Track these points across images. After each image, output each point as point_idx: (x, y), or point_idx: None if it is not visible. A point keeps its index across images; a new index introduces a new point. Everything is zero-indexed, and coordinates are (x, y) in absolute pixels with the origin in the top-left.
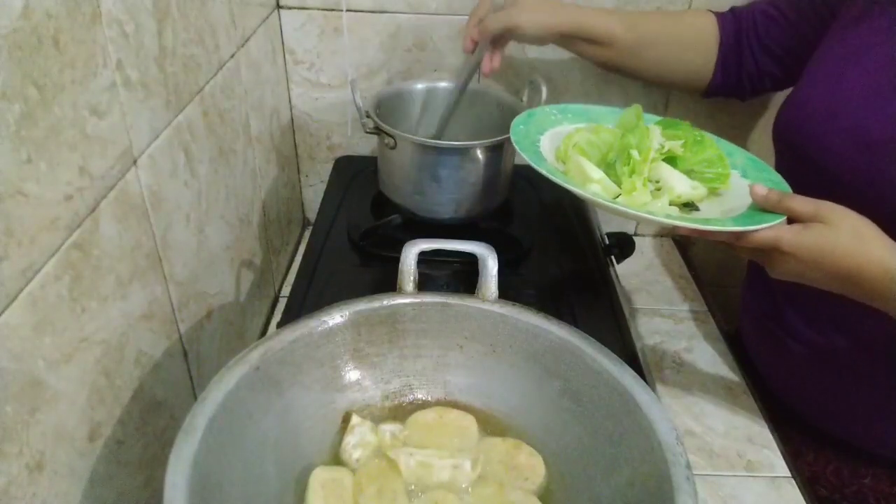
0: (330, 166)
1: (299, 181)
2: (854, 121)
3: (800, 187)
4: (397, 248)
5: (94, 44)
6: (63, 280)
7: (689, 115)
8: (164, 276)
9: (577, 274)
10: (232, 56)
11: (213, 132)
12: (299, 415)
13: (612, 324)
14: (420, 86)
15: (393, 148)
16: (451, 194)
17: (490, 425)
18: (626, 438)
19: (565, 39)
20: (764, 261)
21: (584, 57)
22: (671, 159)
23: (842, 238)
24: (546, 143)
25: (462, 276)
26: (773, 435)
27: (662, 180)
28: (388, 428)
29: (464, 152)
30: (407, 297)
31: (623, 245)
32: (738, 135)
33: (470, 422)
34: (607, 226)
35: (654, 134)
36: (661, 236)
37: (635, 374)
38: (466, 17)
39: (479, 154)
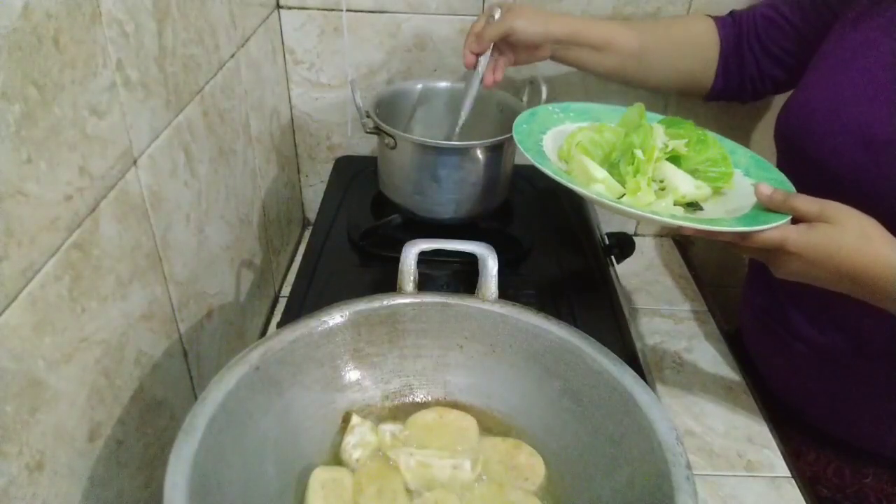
0: (330, 166)
1: (299, 181)
2: (856, 120)
3: (802, 187)
4: (397, 248)
5: (94, 44)
6: (63, 280)
7: (690, 117)
8: (164, 276)
9: (577, 274)
10: (232, 56)
11: (213, 132)
12: (299, 415)
13: (612, 324)
14: (420, 86)
15: (393, 148)
16: (451, 194)
17: (490, 425)
18: (626, 438)
19: (563, 47)
20: (769, 260)
21: (583, 67)
22: (675, 158)
23: (847, 237)
24: (549, 143)
25: (462, 276)
26: (773, 435)
27: (667, 180)
28: (388, 428)
29: (464, 152)
30: (407, 297)
31: (623, 245)
32: (740, 136)
33: (470, 422)
34: (607, 226)
35: (658, 133)
36: (661, 236)
37: (635, 374)
38: (466, 16)
39: (479, 154)
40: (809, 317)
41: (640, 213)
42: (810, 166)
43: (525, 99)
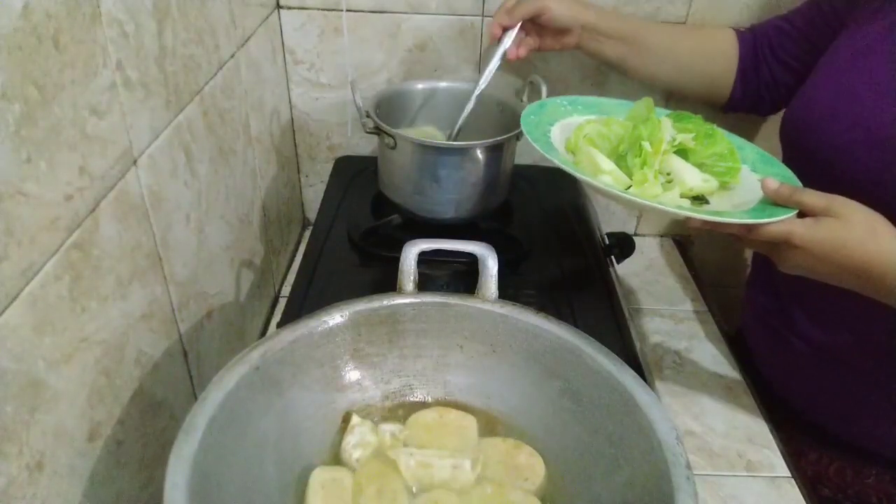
0: (330, 166)
1: (299, 181)
2: (860, 118)
3: (808, 185)
4: (397, 248)
5: (94, 44)
6: (63, 280)
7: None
8: (164, 276)
9: (577, 274)
10: (232, 56)
11: (213, 132)
12: (299, 415)
13: (612, 324)
14: (420, 86)
15: (393, 148)
16: (451, 194)
17: (490, 425)
18: (626, 438)
19: (591, 37)
20: (774, 254)
21: (608, 60)
22: (682, 152)
23: (854, 232)
24: (556, 134)
25: (462, 276)
26: (773, 435)
27: (674, 172)
28: (388, 428)
29: (464, 152)
30: (407, 297)
31: (623, 245)
32: (741, 132)
33: (470, 422)
34: (607, 226)
35: (666, 126)
36: (662, 236)
37: (635, 374)
38: (466, 16)
39: (479, 154)
40: (812, 316)
41: (647, 203)
42: (815, 165)
43: (525, 99)
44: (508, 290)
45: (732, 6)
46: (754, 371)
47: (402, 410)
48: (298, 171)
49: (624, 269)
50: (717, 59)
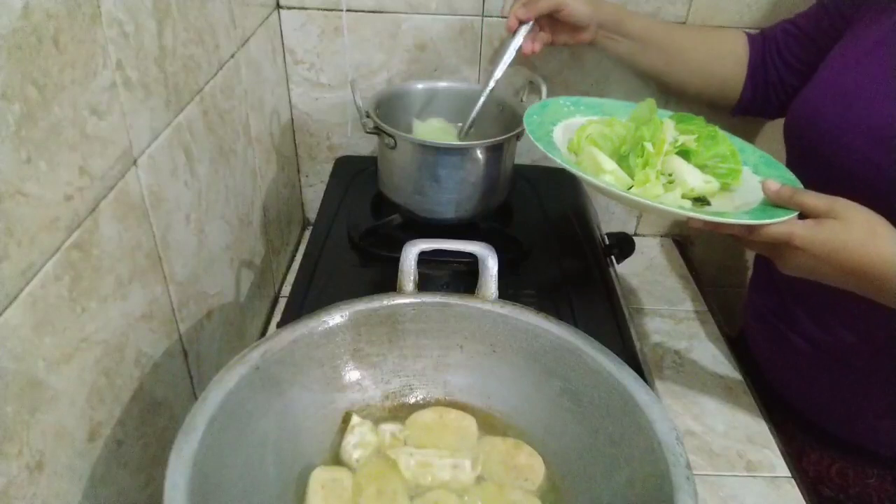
0: (330, 166)
1: (299, 181)
2: (864, 115)
3: (812, 184)
4: (397, 248)
5: (94, 44)
6: (63, 280)
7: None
8: (164, 276)
9: (577, 274)
10: (232, 56)
11: (213, 132)
12: (299, 415)
13: (612, 324)
14: (420, 86)
15: (393, 148)
16: (451, 194)
17: (490, 425)
18: (626, 438)
19: (605, 34)
20: (775, 255)
21: (621, 58)
22: (684, 153)
23: (854, 234)
24: (559, 135)
25: (462, 276)
26: (773, 435)
27: (675, 173)
28: (388, 428)
29: (464, 152)
30: (407, 297)
31: (623, 245)
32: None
33: (470, 422)
34: (607, 226)
35: (668, 127)
36: (662, 236)
37: (635, 374)
38: (466, 16)
39: (479, 154)
40: (814, 316)
41: (648, 203)
42: (819, 163)
43: (524, 99)
44: (508, 290)
45: (732, 6)
46: (756, 371)
47: (402, 410)
48: (298, 171)
49: (624, 269)
50: (727, 62)
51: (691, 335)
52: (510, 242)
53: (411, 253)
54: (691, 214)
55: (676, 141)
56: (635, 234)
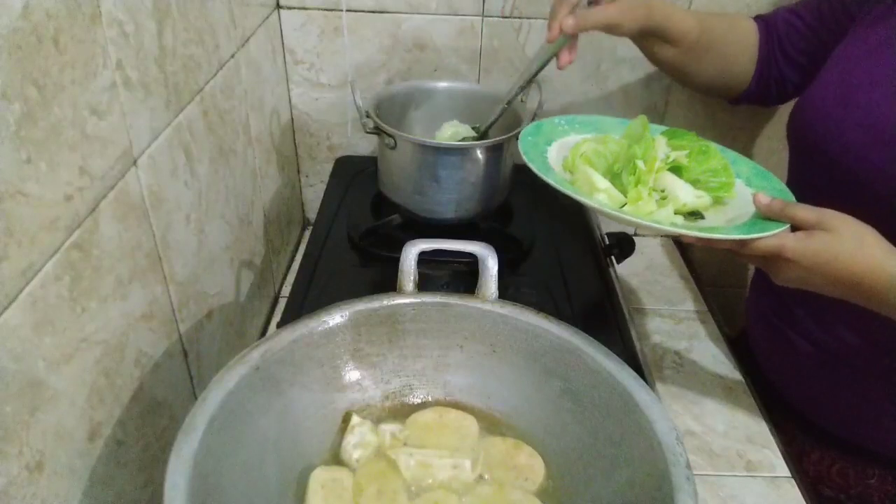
0: (330, 166)
1: (299, 181)
2: (867, 116)
3: (814, 185)
4: (397, 248)
5: (94, 44)
6: (63, 280)
7: (689, 115)
8: (164, 276)
9: (577, 274)
10: (232, 56)
11: (213, 132)
12: (299, 415)
13: (612, 324)
14: (420, 86)
15: (393, 148)
16: (451, 194)
17: (490, 425)
18: (626, 438)
19: (642, 36)
20: (768, 268)
21: (647, 54)
22: (676, 169)
23: (844, 245)
24: (554, 154)
25: (462, 276)
26: (773, 435)
27: (668, 189)
28: (388, 428)
29: (464, 152)
30: (407, 297)
31: (623, 245)
32: (744, 137)
33: (470, 422)
34: (607, 226)
35: (660, 144)
36: (662, 236)
37: (635, 374)
38: (466, 16)
39: (479, 154)
40: (815, 316)
41: (640, 221)
42: (822, 163)
43: (524, 99)
44: (508, 290)
45: (732, 6)
46: (757, 372)
47: (402, 410)
48: (298, 171)
49: (624, 269)
50: (744, 53)
51: (691, 335)
52: (510, 242)
53: (411, 253)
54: (683, 232)
55: (668, 157)
56: (635, 235)
